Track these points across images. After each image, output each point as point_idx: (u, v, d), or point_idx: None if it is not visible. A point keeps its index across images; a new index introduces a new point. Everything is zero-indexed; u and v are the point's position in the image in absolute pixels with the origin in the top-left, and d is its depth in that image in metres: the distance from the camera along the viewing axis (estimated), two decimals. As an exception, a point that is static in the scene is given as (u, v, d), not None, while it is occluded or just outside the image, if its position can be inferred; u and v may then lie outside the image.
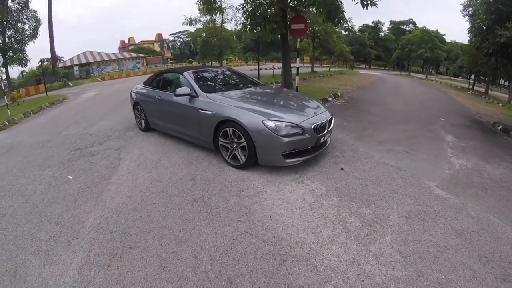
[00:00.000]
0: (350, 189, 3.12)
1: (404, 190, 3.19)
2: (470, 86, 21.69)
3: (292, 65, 10.25)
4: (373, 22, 59.88)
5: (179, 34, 71.42)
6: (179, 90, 3.94)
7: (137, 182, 3.42)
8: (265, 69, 25.84)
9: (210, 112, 3.66)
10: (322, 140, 3.54)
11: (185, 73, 4.37)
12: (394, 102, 9.58)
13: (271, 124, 3.16)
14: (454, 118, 7.79)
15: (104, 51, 40.03)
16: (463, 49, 36.14)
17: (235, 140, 3.49)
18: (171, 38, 72.56)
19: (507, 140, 6.22)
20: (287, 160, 3.25)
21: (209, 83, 4.60)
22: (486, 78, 20.36)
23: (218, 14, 16.43)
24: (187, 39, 63.98)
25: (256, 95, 4.24)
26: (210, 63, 29.20)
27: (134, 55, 43.50)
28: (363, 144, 4.76)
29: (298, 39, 8.14)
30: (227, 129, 3.49)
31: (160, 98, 4.66)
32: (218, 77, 4.99)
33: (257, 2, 9.18)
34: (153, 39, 56.29)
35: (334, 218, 2.61)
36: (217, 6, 11.33)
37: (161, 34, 57.65)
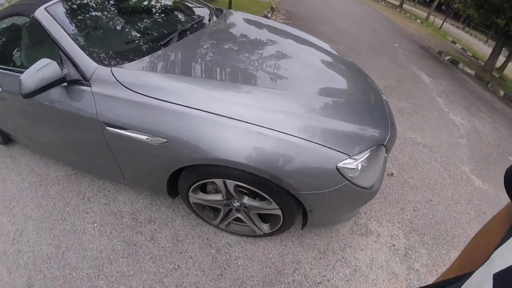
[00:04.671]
0: (430, 229, 2.08)
1: (458, 192, 2.47)
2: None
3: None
4: None
5: None
6: (27, 79, 1.17)
7: None
8: None
9: (145, 137, 1.24)
10: None
11: (40, 11, 1.42)
12: (336, 19, 8.30)
13: (353, 166, 1.20)
14: (405, 44, 7.45)
15: None
16: None
17: (243, 201, 1.43)
18: None
19: (459, 74, 6.42)
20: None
21: (110, 31, 1.69)
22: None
23: None
24: None
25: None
26: None
27: None
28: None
29: None
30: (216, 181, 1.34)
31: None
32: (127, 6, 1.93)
33: None
34: None
35: None
36: None
37: None
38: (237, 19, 2.15)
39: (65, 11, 1.53)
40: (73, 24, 1.52)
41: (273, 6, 7.82)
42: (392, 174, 2.44)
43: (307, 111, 1.27)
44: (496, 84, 6.64)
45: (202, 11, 2.12)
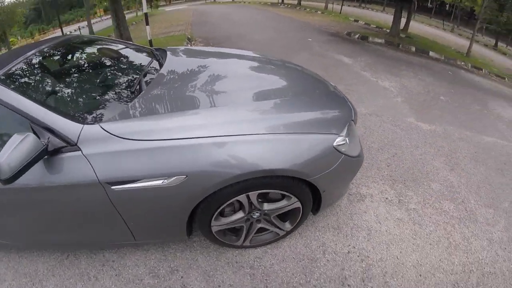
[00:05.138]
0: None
1: (414, 139, 2.97)
2: (280, 1, 24.54)
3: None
4: None
5: None
6: (4, 161, 1.01)
7: None
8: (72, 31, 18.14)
9: (160, 181, 1.24)
10: None
11: None
12: (248, 33, 8.88)
13: (343, 142, 1.49)
14: (316, 36, 8.33)
15: None
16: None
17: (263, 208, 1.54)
18: None
19: (371, 46, 7.46)
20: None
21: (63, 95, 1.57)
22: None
23: None
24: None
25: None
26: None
27: None
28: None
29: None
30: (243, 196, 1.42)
31: None
32: (71, 67, 1.89)
33: None
34: None
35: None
36: None
37: None
38: (184, 53, 2.41)
39: (15, 77, 1.41)
40: (31, 89, 1.41)
41: (189, 36, 8.18)
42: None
43: (290, 111, 1.56)
44: (406, 43, 7.85)
45: (149, 54, 2.24)
